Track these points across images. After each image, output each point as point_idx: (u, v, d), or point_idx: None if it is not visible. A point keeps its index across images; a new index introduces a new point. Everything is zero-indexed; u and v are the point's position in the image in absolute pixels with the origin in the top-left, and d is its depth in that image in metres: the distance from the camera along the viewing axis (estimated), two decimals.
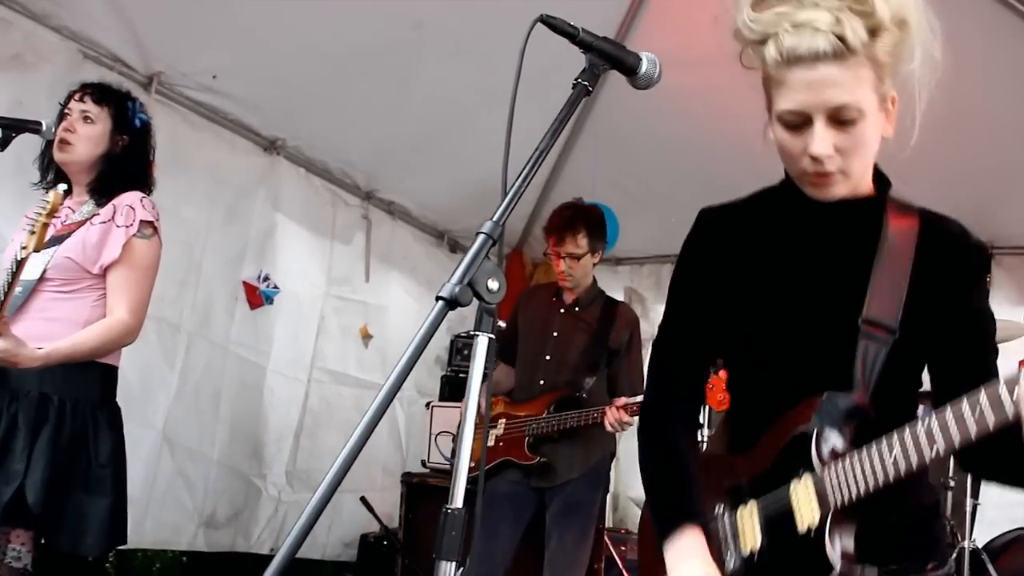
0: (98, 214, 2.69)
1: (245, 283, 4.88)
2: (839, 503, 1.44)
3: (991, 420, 1.28)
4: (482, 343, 1.38)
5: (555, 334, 3.76)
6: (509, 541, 3.61)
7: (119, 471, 2.65)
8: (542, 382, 3.72)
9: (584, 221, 3.78)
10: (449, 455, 3.96)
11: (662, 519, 1.62)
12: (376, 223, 5.72)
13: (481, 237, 1.48)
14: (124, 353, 2.80)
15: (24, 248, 2.32)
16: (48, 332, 2.51)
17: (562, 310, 3.81)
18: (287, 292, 5.11)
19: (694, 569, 1.52)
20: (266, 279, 4.97)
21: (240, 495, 4.91)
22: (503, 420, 3.72)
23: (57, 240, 2.66)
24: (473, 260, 1.42)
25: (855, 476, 1.42)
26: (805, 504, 1.48)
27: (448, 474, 4.37)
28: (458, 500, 1.40)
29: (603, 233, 3.84)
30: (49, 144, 2.79)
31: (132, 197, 2.71)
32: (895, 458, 1.36)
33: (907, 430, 1.36)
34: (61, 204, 2.34)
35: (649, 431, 1.75)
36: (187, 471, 4.61)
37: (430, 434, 4.61)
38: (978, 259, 1.62)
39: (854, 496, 1.41)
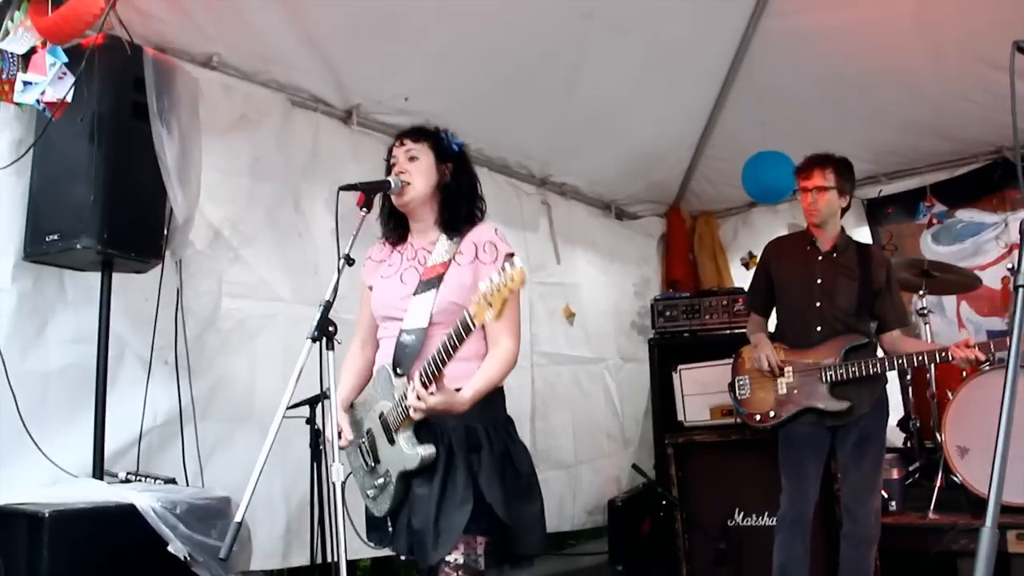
0: (461, 252, 2.87)
1: None
2: None
3: None
4: None
5: (819, 282, 3.94)
6: (815, 478, 3.86)
7: (536, 477, 2.89)
8: (819, 329, 3.91)
9: (832, 161, 3.99)
10: (737, 403, 4.16)
11: None
12: (553, 206, 5.96)
13: None
14: None
15: (473, 316, 2.46)
16: (450, 371, 2.65)
17: (820, 258, 3.99)
18: None
19: None
20: None
21: None
22: (789, 367, 3.93)
23: (430, 284, 2.86)
24: None
25: None
26: None
27: (709, 429, 4.66)
28: None
29: (851, 177, 4.02)
30: (387, 199, 3.00)
31: (488, 232, 2.90)
32: None
33: None
34: (524, 283, 2.44)
35: None
36: None
37: (682, 395, 4.85)
38: None
39: None
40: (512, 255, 2.91)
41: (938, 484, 4.62)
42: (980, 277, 5.37)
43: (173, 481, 3.55)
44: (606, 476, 5.86)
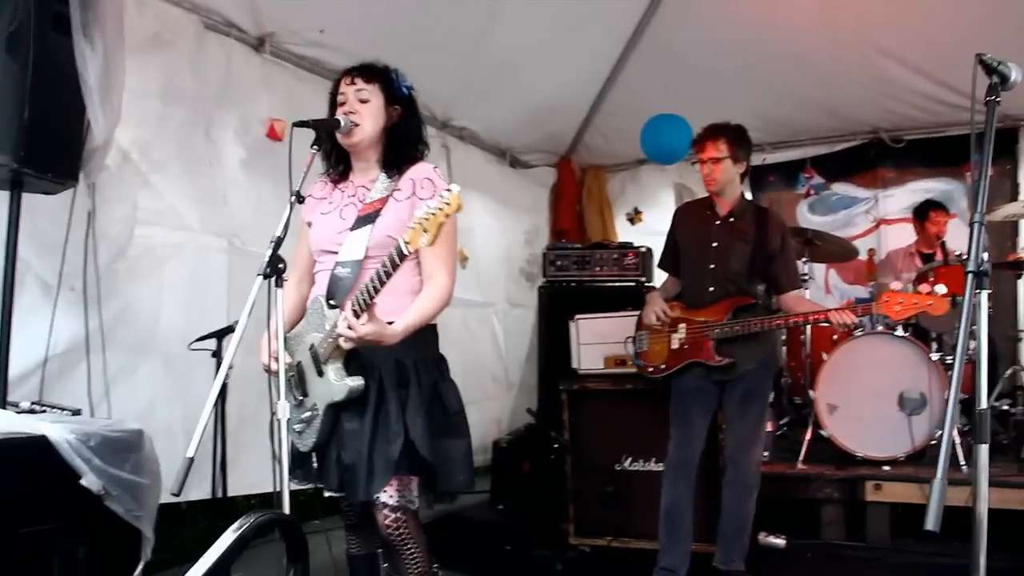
0: (399, 189, 2.86)
1: None
2: None
3: None
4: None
5: (715, 244, 4.11)
6: (702, 427, 4.09)
7: (465, 414, 2.95)
8: (711, 289, 4.09)
9: (724, 131, 4.10)
10: (635, 356, 4.35)
11: None
12: (452, 149, 5.97)
13: None
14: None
15: (408, 243, 2.45)
16: (383, 305, 2.65)
17: (718, 222, 4.15)
18: None
19: None
20: None
21: None
22: (683, 324, 4.13)
23: (367, 219, 2.85)
24: None
25: None
26: None
27: (603, 378, 4.84)
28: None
29: (745, 144, 4.13)
30: (331, 135, 2.96)
31: (426, 169, 2.88)
32: None
33: None
34: (460, 208, 2.46)
35: None
36: None
37: (578, 344, 5.01)
38: None
39: None
40: (449, 191, 2.94)
41: (808, 437, 4.97)
42: (857, 248, 5.76)
43: (79, 412, 3.44)
44: (490, 417, 6.01)
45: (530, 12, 5.23)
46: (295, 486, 3.01)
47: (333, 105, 2.99)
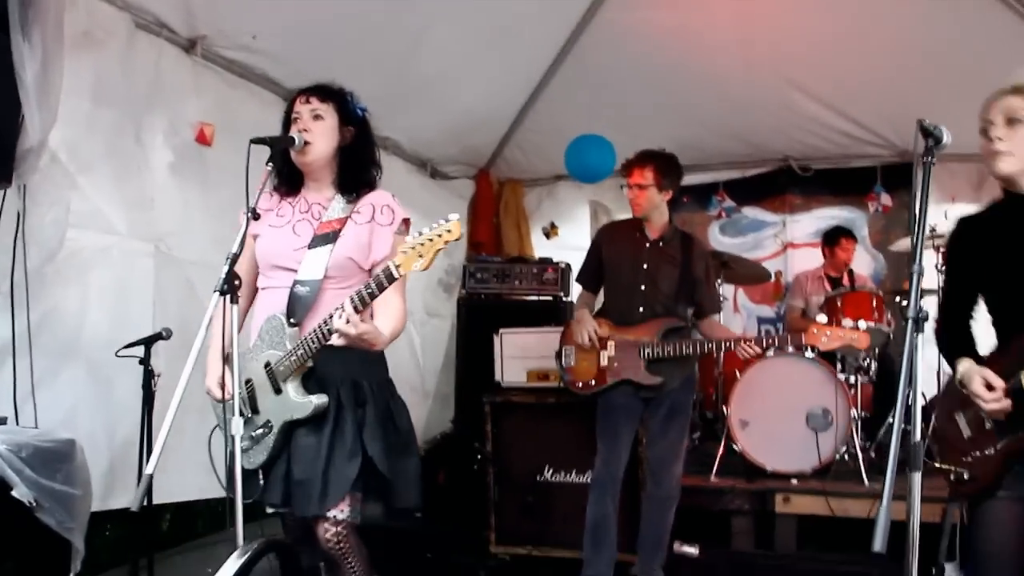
0: (359, 212, 2.93)
1: None
2: None
3: None
4: None
5: (645, 266, 4.24)
6: (627, 442, 4.22)
7: (414, 433, 3.05)
8: (641, 309, 4.22)
9: (652, 159, 4.23)
10: (563, 370, 4.43)
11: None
12: None
13: None
14: None
15: (399, 267, 2.56)
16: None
17: (647, 245, 4.28)
18: None
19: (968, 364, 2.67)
20: None
21: None
22: (612, 342, 4.24)
23: (325, 239, 2.89)
24: None
25: None
26: None
27: (525, 391, 4.93)
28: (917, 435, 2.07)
29: (673, 172, 4.26)
30: (284, 152, 2.96)
31: (386, 197, 2.97)
32: None
33: None
34: (459, 236, 2.59)
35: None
36: None
37: (502, 357, 5.07)
38: None
39: None
40: (408, 220, 3.00)
41: (720, 451, 5.17)
42: (769, 272, 6.00)
43: (4, 420, 3.34)
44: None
45: (459, 28, 5.29)
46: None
47: (287, 125, 3.02)
